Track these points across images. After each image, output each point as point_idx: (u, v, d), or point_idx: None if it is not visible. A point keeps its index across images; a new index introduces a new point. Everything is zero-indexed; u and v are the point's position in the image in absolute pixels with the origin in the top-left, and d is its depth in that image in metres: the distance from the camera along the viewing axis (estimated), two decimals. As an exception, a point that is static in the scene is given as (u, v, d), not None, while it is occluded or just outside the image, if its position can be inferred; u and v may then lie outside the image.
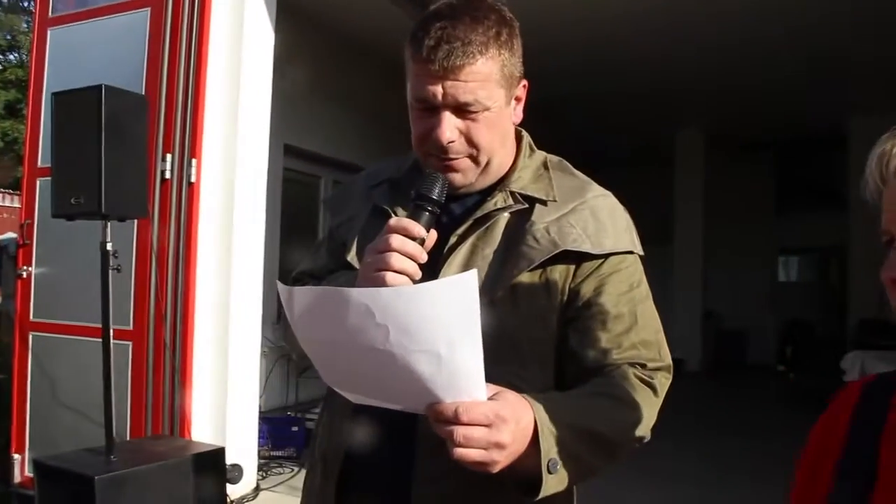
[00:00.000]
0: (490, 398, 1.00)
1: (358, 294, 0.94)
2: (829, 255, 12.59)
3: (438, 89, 1.21)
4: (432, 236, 1.19)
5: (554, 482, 1.06)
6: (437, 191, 1.20)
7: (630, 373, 1.24)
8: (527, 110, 1.35)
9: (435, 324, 0.93)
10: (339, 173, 7.80)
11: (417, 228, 1.16)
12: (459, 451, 0.96)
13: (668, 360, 1.31)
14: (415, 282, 1.14)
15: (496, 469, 1.00)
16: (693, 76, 8.10)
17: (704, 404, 8.76)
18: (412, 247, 1.14)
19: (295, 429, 5.36)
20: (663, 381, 1.28)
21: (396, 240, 1.14)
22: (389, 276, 1.12)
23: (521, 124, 1.38)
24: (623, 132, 10.96)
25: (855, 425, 0.96)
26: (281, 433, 5.32)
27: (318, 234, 7.30)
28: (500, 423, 0.97)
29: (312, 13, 6.47)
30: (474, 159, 1.28)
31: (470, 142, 1.25)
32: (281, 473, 4.96)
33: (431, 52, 1.19)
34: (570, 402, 1.16)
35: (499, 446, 0.98)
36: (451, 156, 1.25)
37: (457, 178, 1.27)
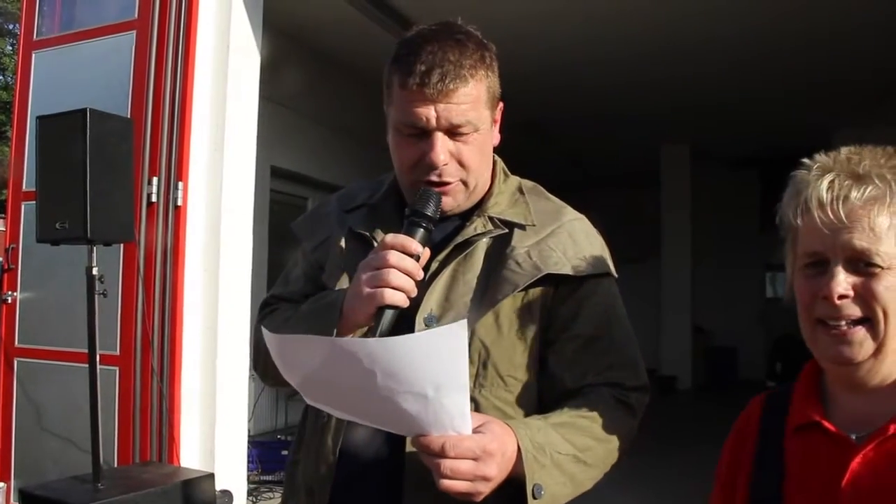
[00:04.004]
0: (476, 429, 1.02)
1: (344, 343, 0.97)
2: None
3: (431, 112, 1.20)
4: (426, 254, 1.19)
5: None
6: (431, 207, 1.21)
7: (607, 393, 1.25)
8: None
9: (422, 370, 0.94)
10: (326, 195, 7.76)
11: (415, 245, 1.15)
12: (446, 483, 0.99)
13: (645, 379, 1.33)
14: (410, 299, 1.14)
15: (480, 499, 1.03)
16: (678, 93, 8.15)
17: (696, 421, 8.74)
18: (410, 263, 1.14)
19: (285, 452, 5.30)
20: (640, 400, 1.30)
21: (394, 256, 1.13)
22: (388, 294, 1.12)
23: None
24: (609, 150, 11.00)
25: (760, 441, 1.10)
26: (270, 457, 5.27)
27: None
28: (486, 457, 1.00)
29: (298, 35, 6.47)
30: (465, 182, 1.28)
31: (461, 164, 1.25)
32: (272, 498, 4.90)
33: (425, 76, 1.19)
34: (553, 426, 1.16)
35: (485, 479, 1.01)
36: (445, 179, 1.25)
37: (448, 201, 1.28)
